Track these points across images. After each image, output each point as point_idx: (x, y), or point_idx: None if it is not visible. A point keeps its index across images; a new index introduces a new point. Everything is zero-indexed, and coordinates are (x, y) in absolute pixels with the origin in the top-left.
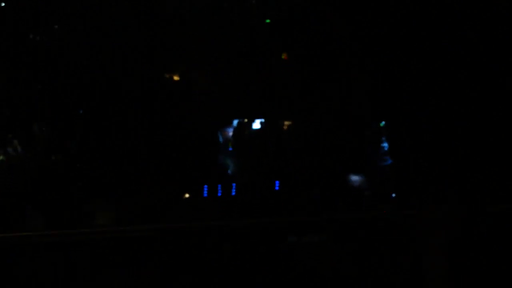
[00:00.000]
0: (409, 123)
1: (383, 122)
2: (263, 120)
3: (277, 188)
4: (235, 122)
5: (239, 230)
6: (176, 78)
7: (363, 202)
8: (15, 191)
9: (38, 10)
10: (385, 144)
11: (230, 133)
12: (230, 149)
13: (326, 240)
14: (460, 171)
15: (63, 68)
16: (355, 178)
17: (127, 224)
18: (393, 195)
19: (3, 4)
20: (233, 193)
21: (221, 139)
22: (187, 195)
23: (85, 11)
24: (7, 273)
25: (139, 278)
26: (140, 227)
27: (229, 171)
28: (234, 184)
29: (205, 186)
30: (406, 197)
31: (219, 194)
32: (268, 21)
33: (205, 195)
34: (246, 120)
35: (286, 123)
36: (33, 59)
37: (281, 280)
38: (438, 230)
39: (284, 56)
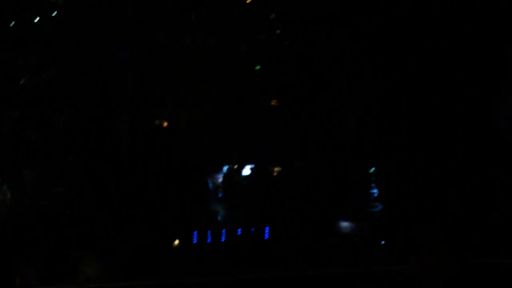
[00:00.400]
0: (399, 168)
1: (373, 168)
2: (253, 166)
3: (267, 236)
4: (225, 168)
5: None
6: (165, 124)
7: (354, 249)
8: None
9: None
10: (375, 190)
11: (220, 179)
12: (220, 195)
13: None
14: (450, 223)
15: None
16: (345, 224)
17: (116, 276)
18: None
19: None
20: (223, 240)
21: (211, 185)
22: (176, 242)
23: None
24: None
25: None
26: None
27: (219, 217)
28: (224, 231)
29: (195, 232)
30: (397, 246)
31: (209, 241)
32: (258, 67)
33: (195, 241)
34: (236, 166)
35: (276, 169)
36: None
37: None
38: (429, 282)
39: (274, 102)
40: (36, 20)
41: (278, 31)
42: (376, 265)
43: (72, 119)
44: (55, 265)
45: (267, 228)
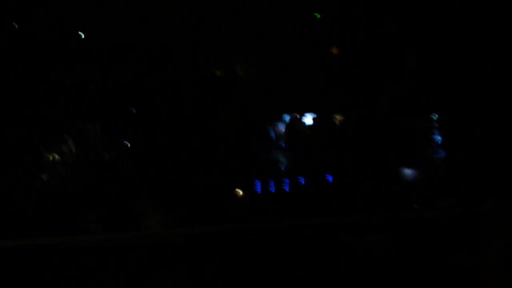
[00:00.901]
0: (463, 115)
1: (436, 115)
2: (315, 115)
3: (330, 183)
4: (287, 117)
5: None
6: (220, 73)
7: (419, 197)
8: (70, 189)
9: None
10: (438, 137)
11: (283, 129)
12: (283, 144)
13: (383, 239)
14: None
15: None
16: (408, 172)
17: (179, 225)
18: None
19: None
20: (287, 190)
21: (273, 135)
22: (240, 192)
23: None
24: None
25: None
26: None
27: (282, 167)
28: (287, 180)
29: (258, 182)
30: (464, 193)
31: (272, 191)
32: (317, 15)
33: (258, 191)
34: (298, 115)
35: (338, 117)
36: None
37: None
38: (498, 228)
39: (334, 50)
40: None
41: None
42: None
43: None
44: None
45: (330, 177)
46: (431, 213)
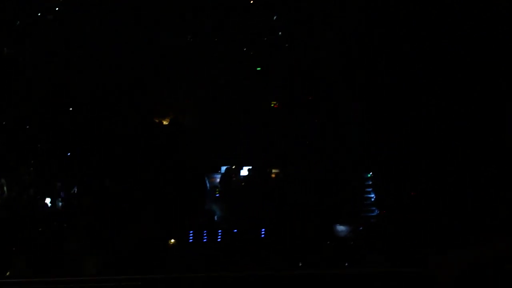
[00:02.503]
0: (397, 173)
1: (370, 173)
2: (250, 167)
3: (263, 235)
4: (223, 168)
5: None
6: (165, 122)
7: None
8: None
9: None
10: (372, 195)
11: (218, 180)
12: (217, 195)
13: None
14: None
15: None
16: (341, 228)
17: (113, 271)
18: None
19: None
20: (219, 239)
21: (208, 185)
22: (172, 241)
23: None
24: None
25: None
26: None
27: (216, 217)
28: (220, 231)
29: (191, 232)
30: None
31: (205, 240)
32: (259, 68)
33: (191, 240)
34: (234, 166)
35: (274, 171)
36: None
37: None
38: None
39: (274, 104)
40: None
41: (280, 33)
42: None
43: (75, 117)
44: (53, 259)
45: (263, 229)
46: (361, 270)
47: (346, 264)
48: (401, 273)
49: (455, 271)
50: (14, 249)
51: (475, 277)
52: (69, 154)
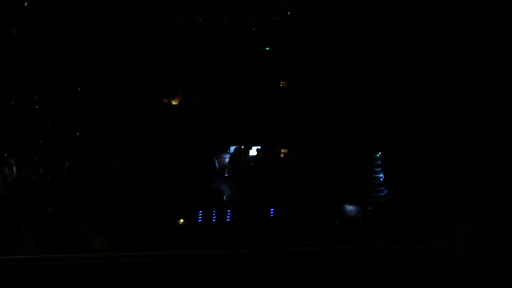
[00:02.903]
0: (405, 153)
1: (379, 153)
2: (259, 147)
3: (272, 215)
4: (232, 148)
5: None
6: (174, 102)
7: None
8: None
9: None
10: (381, 175)
11: (227, 160)
12: (226, 175)
13: (321, 272)
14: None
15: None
16: (350, 208)
17: (122, 250)
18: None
19: None
20: (228, 220)
21: (217, 165)
22: (181, 221)
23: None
24: None
25: None
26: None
27: (225, 197)
28: (229, 211)
29: (200, 212)
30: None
31: (214, 220)
32: (267, 48)
33: (200, 221)
34: (242, 146)
35: (283, 150)
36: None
37: None
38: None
39: (283, 84)
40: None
41: (288, 13)
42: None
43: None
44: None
45: (272, 209)
46: (368, 247)
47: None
48: (405, 250)
49: (462, 246)
50: (23, 229)
51: (482, 251)
52: (78, 133)
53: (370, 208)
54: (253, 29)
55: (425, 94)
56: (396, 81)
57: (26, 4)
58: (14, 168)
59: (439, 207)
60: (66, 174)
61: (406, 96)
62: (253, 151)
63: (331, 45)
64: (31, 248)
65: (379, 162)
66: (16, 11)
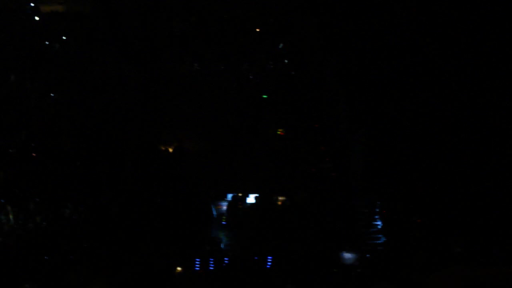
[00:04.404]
0: (404, 202)
1: (378, 202)
2: (257, 195)
3: (269, 265)
4: (229, 196)
5: None
6: (170, 149)
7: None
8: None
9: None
10: (379, 222)
11: (224, 207)
12: (224, 223)
13: None
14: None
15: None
16: (348, 256)
17: None
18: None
19: None
20: (225, 267)
21: (214, 213)
22: (179, 269)
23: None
24: None
25: None
26: None
27: (222, 245)
28: (226, 259)
29: (197, 259)
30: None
31: (211, 268)
32: (265, 96)
33: (197, 268)
34: (240, 194)
35: (281, 198)
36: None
37: None
38: None
39: (280, 131)
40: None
41: (286, 61)
42: None
43: (79, 143)
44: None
45: (270, 257)
46: None
47: None
48: None
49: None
50: (21, 276)
51: None
52: (72, 177)
53: (368, 255)
54: (251, 76)
55: (420, 141)
56: (397, 126)
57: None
58: (11, 216)
59: (438, 253)
60: (62, 219)
61: (404, 144)
62: (250, 199)
63: (330, 91)
64: None
65: (378, 210)
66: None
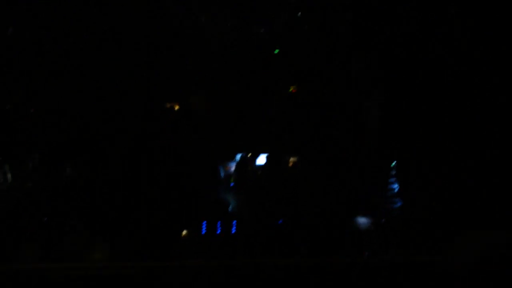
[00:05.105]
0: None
1: (394, 162)
2: (267, 155)
3: (280, 227)
4: (238, 156)
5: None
6: (176, 106)
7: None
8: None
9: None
10: (395, 186)
11: (232, 168)
12: (232, 184)
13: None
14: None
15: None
16: (362, 220)
17: (123, 261)
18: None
19: None
20: (233, 231)
21: (222, 174)
22: (184, 232)
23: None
24: None
25: None
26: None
27: (230, 208)
28: (234, 222)
29: (204, 222)
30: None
31: (218, 232)
32: (277, 51)
33: (204, 232)
34: (249, 154)
35: (292, 159)
36: None
37: None
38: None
39: (292, 88)
40: None
41: (299, 14)
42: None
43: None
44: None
45: (280, 221)
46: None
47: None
48: (416, 263)
49: (473, 255)
50: (20, 237)
51: (494, 261)
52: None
53: (383, 220)
54: (262, 30)
55: (445, 95)
56: (414, 82)
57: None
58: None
59: (457, 217)
60: (63, 181)
61: (423, 98)
62: (260, 159)
63: (345, 46)
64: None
65: (394, 172)
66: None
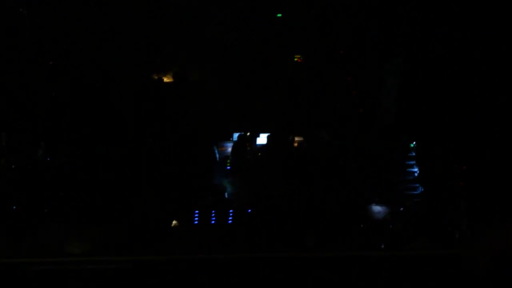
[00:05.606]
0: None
1: (414, 143)
2: (269, 134)
3: (281, 217)
4: (235, 135)
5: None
6: (166, 79)
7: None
8: None
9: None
10: (415, 169)
11: (229, 149)
12: (228, 168)
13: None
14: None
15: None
16: (377, 209)
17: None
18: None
19: None
20: (230, 221)
21: (217, 156)
22: (174, 222)
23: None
24: None
25: None
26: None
27: (226, 195)
28: (231, 211)
29: (196, 212)
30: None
31: (213, 222)
32: (279, 15)
33: (196, 222)
34: (248, 133)
35: (297, 139)
36: None
37: None
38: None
39: (298, 58)
40: None
41: None
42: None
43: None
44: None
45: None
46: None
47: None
48: (434, 256)
49: (494, 250)
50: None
51: None
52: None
53: (402, 209)
54: None
55: (466, 72)
56: (437, 54)
57: None
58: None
59: (484, 206)
60: (56, 167)
61: (446, 77)
62: (261, 139)
63: (358, 11)
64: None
65: (413, 154)
66: None
